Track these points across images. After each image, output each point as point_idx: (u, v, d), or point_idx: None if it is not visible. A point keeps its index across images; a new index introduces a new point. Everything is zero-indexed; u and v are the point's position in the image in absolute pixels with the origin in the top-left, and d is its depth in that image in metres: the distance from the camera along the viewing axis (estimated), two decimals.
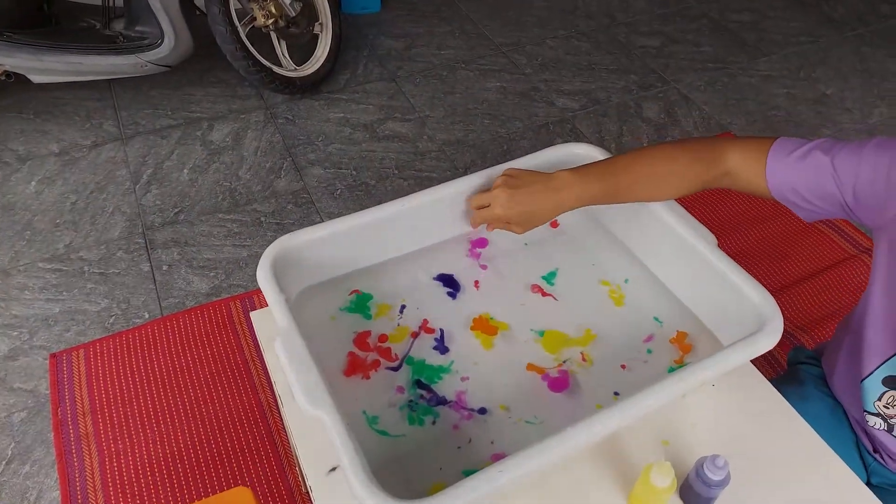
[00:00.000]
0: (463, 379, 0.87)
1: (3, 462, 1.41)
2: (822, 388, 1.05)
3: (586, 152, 1.03)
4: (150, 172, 2.07)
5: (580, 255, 1.03)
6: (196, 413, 1.50)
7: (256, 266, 0.85)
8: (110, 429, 1.47)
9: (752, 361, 0.84)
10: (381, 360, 0.90)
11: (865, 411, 0.94)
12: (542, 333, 0.93)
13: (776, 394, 0.90)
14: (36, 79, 2.01)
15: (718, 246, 0.90)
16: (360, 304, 0.96)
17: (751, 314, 0.81)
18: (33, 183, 2.02)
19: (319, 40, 2.39)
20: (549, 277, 1.01)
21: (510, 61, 2.61)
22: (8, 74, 2.00)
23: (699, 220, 0.91)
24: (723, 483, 0.73)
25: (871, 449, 0.98)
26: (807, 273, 1.83)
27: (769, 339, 0.77)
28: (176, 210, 1.96)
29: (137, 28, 2.06)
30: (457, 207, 0.99)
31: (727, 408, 0.88)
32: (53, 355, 1.59)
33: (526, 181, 0.89)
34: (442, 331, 0.93)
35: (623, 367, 0.89)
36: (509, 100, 2.42)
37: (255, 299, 1.72)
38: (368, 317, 0.95)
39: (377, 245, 0.98)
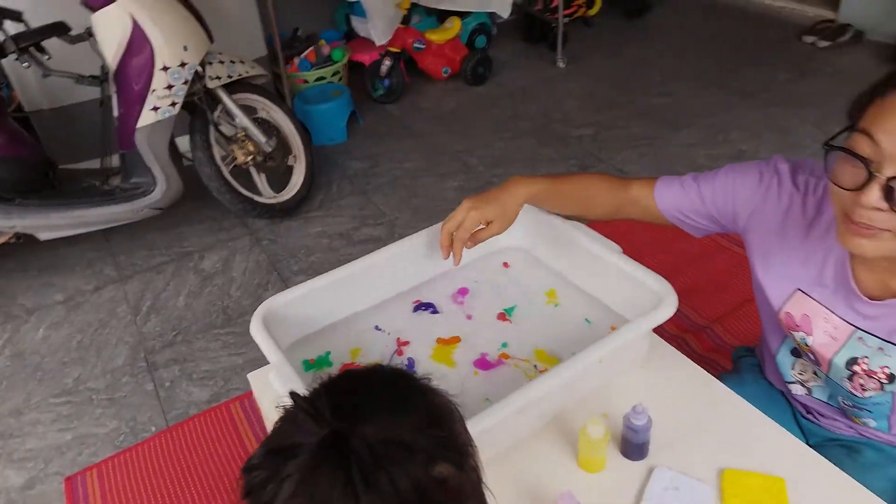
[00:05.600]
0: None
1: None
2: (759, 374, 1.20)
3: None
4: (149, 304, 2.26)
5: (527, 287, 1.23)
6: None
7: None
8: None
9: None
10: None
11: (787, 382, 1.09)
12: (505, 345, 1.12)
13: (711, 378, 1.05)
14: (43, 236, 2.25)
15: (627, 254, 1.10)
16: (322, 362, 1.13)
17: (652, 298, 0.99)
18: (41, 330, 2.19)
19: (294, 169, 2.69)
20: (510, 311, 1.19)
21: (464, 164, 2.92)
22: (18, 237, 2.24)
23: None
24: (646, 427, 0.88)
25: (804, 413, 1.11)
26: (747, 297, 2.01)
27: (665, 311, 0.96)
28: (174, 332, 2.12)
29: (132, 180, 2.33)
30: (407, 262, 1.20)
31: (663, 389, 1.03)
32: (68, 478, 1.68)
33: (483, 193, 1.10)
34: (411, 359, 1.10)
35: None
36: (467, 195, 2.68)
37: (253, 400, 1.84)
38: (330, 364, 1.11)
39: (346, 300, 1.17)
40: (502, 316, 1.19)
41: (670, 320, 0.97)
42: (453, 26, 3.55)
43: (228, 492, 1.61)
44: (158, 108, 2.21)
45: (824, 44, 3.58)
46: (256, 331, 1.00)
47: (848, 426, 1.05)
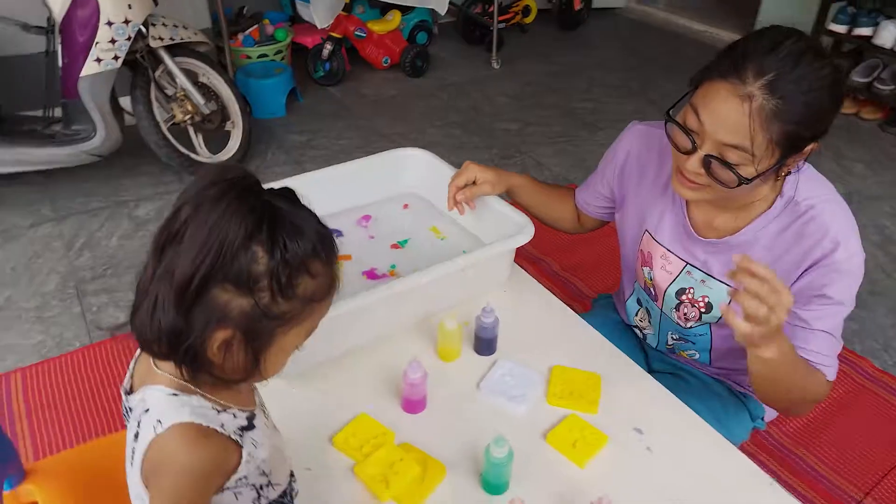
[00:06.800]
0: None
1: None
2: (612, 311, 1.39)
3: (412, 154, 1.51)
4: (82, 242, 2.39)
5: (419, 225, 1.45)
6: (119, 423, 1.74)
7: None
8: (39, 431, 1.69)
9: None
10: None
11: (629, 325, 1.31)
12: (394, 266, 1.32)
13: (562, 304, 1.24)
14: None
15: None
16: None
17: (516, 228, 1.21)
18: None
19: (232, 134, 2.86)
20: (403, 242, 1.40)
21: (398, 145, 3.10)
22: None
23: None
24: (493, 325, 1.07)
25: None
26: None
27: (523, 237, 1.17)
28: (105, 267, 2.27)
29: (73, 127, 2.47)
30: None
31: (517, 306, 1.22)
32: None
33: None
34: None
35: None
36: None
37: None
38: None
39: None
40: (395, 245, 1.42)
41: (542, 275, 1.17)
42: (394, 19, 3.80)
43: None
44: (101, 59, 2.37)
45: None
46: None
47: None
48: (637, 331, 1.31)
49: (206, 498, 0.69)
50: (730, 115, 0.86)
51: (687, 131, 0.90)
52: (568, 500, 0.87)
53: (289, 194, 0.67)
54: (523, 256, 2.23)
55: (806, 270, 0.96)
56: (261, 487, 0.75)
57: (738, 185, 0.90)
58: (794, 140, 0.87)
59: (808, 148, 0.90)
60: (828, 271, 0.94)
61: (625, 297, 1.31)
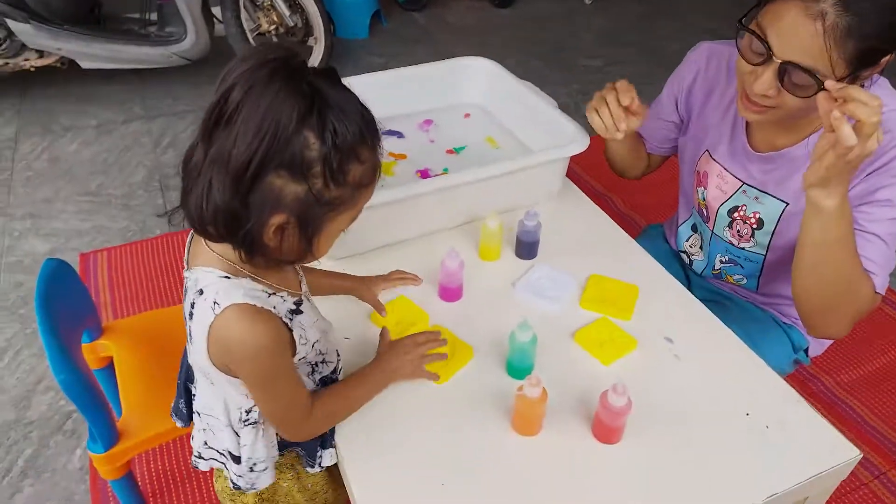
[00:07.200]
0: None
1: None
2: (660, 240, 1.39)
3: (478, 63, 1.50)
4: (168, 140, 2.54)
5: (480, 134, 1.46)
6: None
7: None
8: (120, 302, 1.86)
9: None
10: None
11: (679, 250, 1.30)
12: (446, 169, 1.34)
13: (610, 220, 1.23)
14: (85, 64, 2.53)
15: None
16: None
17: (571, 138, 1.21)
18: (75, 144, 2.49)
19: (314, 50, 2.92)
20: (459, 149, 1.42)
21: None
22: (62, 61, 2.52)
23: None
24: (535, 228, 1.09)
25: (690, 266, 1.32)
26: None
27: (576, 147, 1.17)
28: None
29: (167, 29, 2.59)
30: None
31: (565, 217, 1.22)
32: (83, 255, 2.00)
33: None
34: None
35: None
36: None
37: None
38: None
39: None
40: (451, 151, 1.43)
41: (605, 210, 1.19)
42: None
43: None
44: None
45: None
46: None
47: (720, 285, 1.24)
48: (685, 256, 1.30)
49: (290, 364, 0.75)
50: (801, 35, 0.80)
51: (762, 39, 0.85)
52: (587, 392, 0.88)
53: (332, 75, 0.66)
54: (588, 190, 2.20)
55: (867, 176, 0.92)
56: (315, 364, 0.82)
57: (812, 95, 0.84)
58: (869, 55, 0.82)
59: (884, 60, 0.84)
60: (887, 174, 0.90)
61: (679, 222, 1.30)
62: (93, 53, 2.48)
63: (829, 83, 0.77)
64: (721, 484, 0.79)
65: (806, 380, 1.74)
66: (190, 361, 0.81)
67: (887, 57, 0.84)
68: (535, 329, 0.89)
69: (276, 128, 0.60)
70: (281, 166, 0.61)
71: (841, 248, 0.87)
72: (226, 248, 0.70)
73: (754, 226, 1.08)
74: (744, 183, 1.07)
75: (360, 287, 1.01)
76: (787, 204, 1.02)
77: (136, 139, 2.55)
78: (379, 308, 1.00)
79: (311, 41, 2.90)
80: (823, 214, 0.84)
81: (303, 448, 0.85)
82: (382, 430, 0.84)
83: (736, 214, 1.10)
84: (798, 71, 0.83)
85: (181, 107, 2.74)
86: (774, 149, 1.02)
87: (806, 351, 1.18)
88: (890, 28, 0.80)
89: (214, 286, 0.69)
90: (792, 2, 0.81)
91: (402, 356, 0.88)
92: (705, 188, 1.14)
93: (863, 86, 0.89)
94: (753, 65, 0.88)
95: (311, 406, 0.78)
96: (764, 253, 1.10)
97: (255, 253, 0.67)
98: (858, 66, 0.82)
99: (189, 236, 0.77)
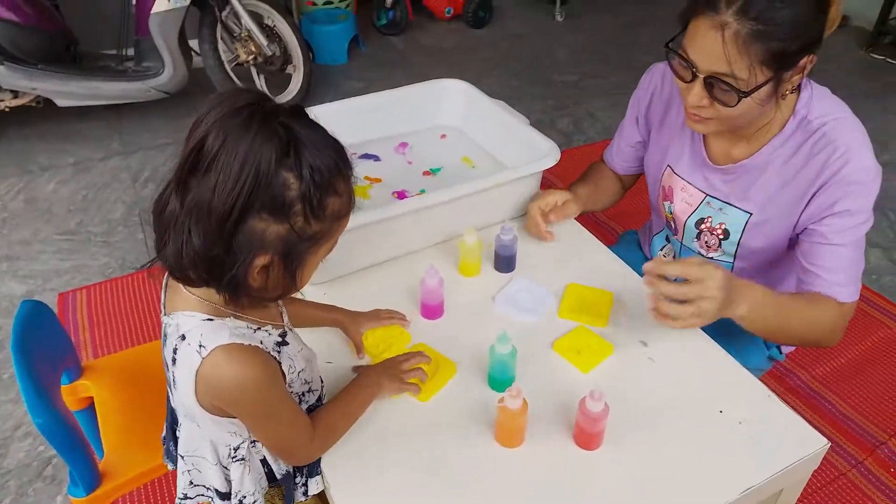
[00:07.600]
0: None
1: None
2: (635, 247, 1.41)
3: (452, 85, 1.51)
4: (148, 175, 2.53)
5: (455, 154, 1.47)
6: None
7: None
8: (99, 340, 1.83)
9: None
10: None
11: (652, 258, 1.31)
12: (423, 190, 1.35)
13: (584, 229, 1.25)
14: (61, 102, 2.52)
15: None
16: None
17: (543, 153, 1.22)
18: (52, 184, 2.48)
19: (293, 77, 2.93)
20: (436, 170, 1.42)
21: None
22: (38, 100, 2.51)
23: None
24: (512, 242, 1.10)
25: None
26: None
27: (548, 161, 1.18)
28: None
29: (144, 64, 2.60)
30: None
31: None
32: (61, 294, 1.97)
33: None
34: None
35: None
36: None
37: None
38: None
39: None
40: (427, 173, 1.43)
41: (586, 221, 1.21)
42: None
43: None
44: None
45: None
46: None
47: None
48: None
49: (285, 391, 0.75)
50: (712, 47, 0.87)
51: (686, 59, 0.91)
52: (567, 400, 0.88)
53: (300, 112, 0.67)
54: None
55: (820, 188, 0.96)
56: (302, 395, 0.82)
57: (737, 103, 0.89)
58: (782, 57, 0.86)
59: (803, 62, 0.89)
60: (841, 185, 0.94)
61: (653, 233, 1.32)
62: (69, 91, 2.48)
63: (645, 266, 0.88)
64: (699, 481, 0.80)
65: (783, 375, 1.76)
66: (174, 405, 0.80)
67: (806, 58, 0.89)
68: (515, 341, 0.89)
69: (257, 172, 0.61)
70: (263, 209, 0.62)
71: (778, 313, 0.93)
72: (207, 291, 0.69)
73: (721, 236, 1.11)
74: (707, 195, 1.10)
75: (347, 322, 1.00)
76: (751, 214, 1.05)
77: (114, 175, 2.53)
78: (359, 348, 0.98)
79: (289, 69, 2.92)
80: (747, 319, 0.90)
81: (282, 482, 0.84)
82: (368, 454, 0.83)
83: (703, 226, 1.13)
84: (720, 82, 0.89)
85: (160, 140, 2.74)
86: (733, 160, 1.06)
87: (779, 347, 1.19)
88: (792, 26, 0.84)
89: (198, 329, 0.69)
90: (701, 19, 0.87)
91: (385, 371, 0.89)
92: (671, 202, 1.17)
93: (798, 88, 0.95)
94: (686, 82, 0.94)
95: (312, 427, 0.79)
96: (732, 261, 1.13)
97: (239, 294, 0.68)
98: (777, 68, 0.87)
99: (164, 280, 0.76)
